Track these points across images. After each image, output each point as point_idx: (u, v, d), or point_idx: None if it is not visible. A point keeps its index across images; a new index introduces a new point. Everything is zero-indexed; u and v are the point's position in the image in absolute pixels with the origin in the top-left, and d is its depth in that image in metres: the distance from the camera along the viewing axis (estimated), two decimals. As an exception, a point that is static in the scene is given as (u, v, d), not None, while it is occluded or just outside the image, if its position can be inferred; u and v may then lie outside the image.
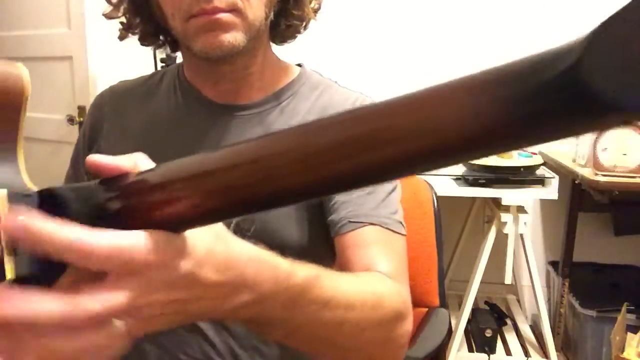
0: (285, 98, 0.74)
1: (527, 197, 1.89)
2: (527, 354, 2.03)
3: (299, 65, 0.79)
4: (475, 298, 1.99)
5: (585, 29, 0.21)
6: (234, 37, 0.62)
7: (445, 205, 1.32)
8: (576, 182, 1.94)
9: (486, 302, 2.29)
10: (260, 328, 0.44)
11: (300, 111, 0.73)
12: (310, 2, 0.73)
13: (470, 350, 2.05)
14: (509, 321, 2.22)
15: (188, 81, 0.75)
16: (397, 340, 0.58)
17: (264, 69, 0.73)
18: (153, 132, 0.74)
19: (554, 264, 2.31)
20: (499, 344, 2.05)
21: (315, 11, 0.75)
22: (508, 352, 2.03)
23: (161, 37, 0.76)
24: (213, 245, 0.36)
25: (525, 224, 1.87)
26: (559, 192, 1.84)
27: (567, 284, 2.12)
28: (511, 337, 2.13)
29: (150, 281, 0.32)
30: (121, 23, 0.74)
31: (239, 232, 0.68)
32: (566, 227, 2.15)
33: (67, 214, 0.34)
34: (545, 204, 2.31)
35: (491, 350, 2.00)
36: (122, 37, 0.75)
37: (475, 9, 2.25)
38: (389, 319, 0.56)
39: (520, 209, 1.88)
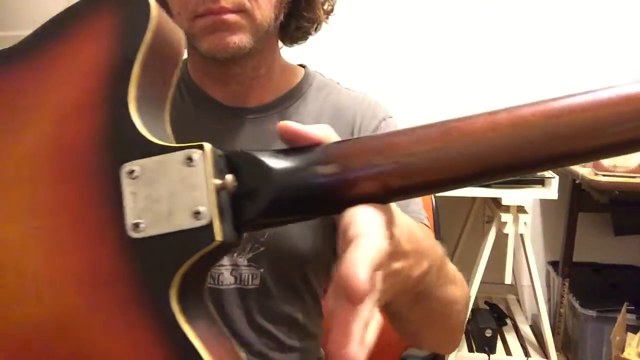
0: (295, 100, 0.73)
1: (527, 197, 1.89)
2: (527, 354, 2.03)
3: (302, 66, 0.78)
4: (475, 298, 2.00)
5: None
6: (240, 39, 0.61)
7: (445, 205, 1.32)
8: (576, 182, 1.94)
9: (486, 302, 2.29)
10: (414, 305, 0.45)
11: (311, 112, 0.72)
12: (323, 4, 0.72)
13: (470, 350, 2.05)
14: (509, 321, 2.22)
15: (194, 82, 0.73)
16: (463, 327, 0.60)
17: (273, 71, 0.72)
18: None
19: (554, 264, 2.31)
20: (499, 344, 2.05)
21: (328, 13, 0.73)
22: (508, 352, 2.03)
23: None
24: (399, 215, 0.38)
25: (525, 224, 1.86)
26: (559, 192, 1.84)
27: (567, 284, 2.12)
28: (511, 337, 2.13)
29: (388, 254, 0.34)
30: None
31: (252, 239, 0.67)
32: (566, 227, 2.15)
33: (261, 176, 0.35)
34: (545, 204, 2.31)
35: (491, 350, 2.00)
36: None
37: (475, 11, 2.25)
38: (467, 301, 0.57)
39: (520, 209, 1.88)
